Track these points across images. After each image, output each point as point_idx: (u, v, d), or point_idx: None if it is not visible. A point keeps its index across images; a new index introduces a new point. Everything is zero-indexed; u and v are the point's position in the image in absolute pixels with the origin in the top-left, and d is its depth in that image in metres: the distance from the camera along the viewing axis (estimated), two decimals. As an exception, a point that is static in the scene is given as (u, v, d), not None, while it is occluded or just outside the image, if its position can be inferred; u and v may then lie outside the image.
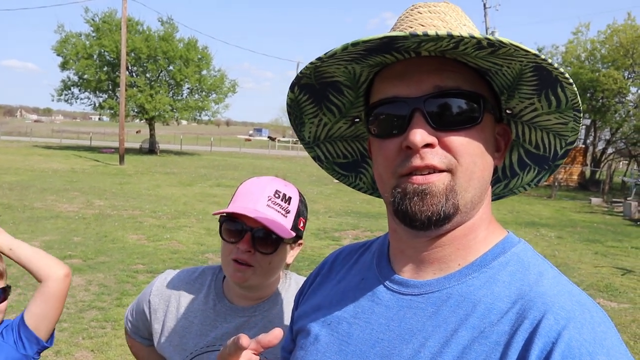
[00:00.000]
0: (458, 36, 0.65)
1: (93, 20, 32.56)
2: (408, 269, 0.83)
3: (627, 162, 31.79)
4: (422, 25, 0.79)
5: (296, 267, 6.91)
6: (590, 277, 7.84)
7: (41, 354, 1.55)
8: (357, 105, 0.91)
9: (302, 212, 1.38)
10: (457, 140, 0.74)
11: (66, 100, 34.91)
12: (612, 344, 0.66)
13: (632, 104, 26.57)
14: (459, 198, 0.75)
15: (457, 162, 0.74)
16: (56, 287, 1.51)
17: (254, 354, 0.83)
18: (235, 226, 1.29)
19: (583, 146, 27.90)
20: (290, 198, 1.34)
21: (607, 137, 28.78)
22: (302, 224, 1.39)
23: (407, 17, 0.82)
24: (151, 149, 34.12)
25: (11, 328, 1.51)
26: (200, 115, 36.18)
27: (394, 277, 0.84)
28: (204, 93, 35.29)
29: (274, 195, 1.32)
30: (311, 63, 0.77)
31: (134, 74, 33.80)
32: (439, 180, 0.74)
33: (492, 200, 0.94)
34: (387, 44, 0.71)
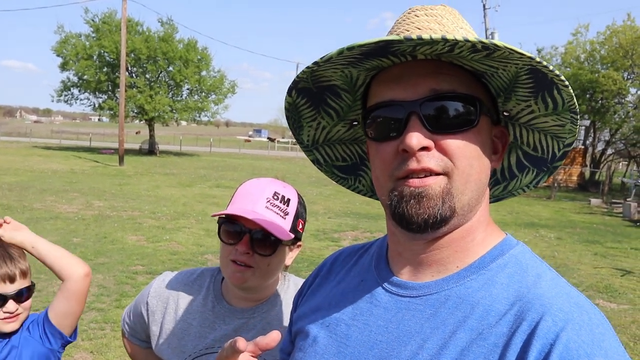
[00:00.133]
0: (452, 39, 0.65)
1: (93, 20, 32.57)
2: (406, 271, 0.83)
3: (626, 163, 31.80)
4: (419, 29, 0.79)
5: (295, 268, 6.91)
6: (589, 278, 7.84)
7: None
8: (355, 109, 0.92)
9: (300, 214, 1.38)
10: (454, 143, 0.74)
11: (66, 101, 34.92)
12: (610, 345, 0.66)
13: (631, 105, 26.59)
14: (455, 201, 0.75)
15: (454, 165, 0.74)
16: (76, 286, 1.55)
17: (252, 356, 0.83)
18: (234, 228, 1.29)
19: (582, 147, 27.93)
20: (289, 200, 1.34)
21: (607, 138, 28.79)
22: (300, 226, 1.39)
23: (404, 20, 0.83)
24: (151, 150, 34.12)
25: (37, 323, 1.57)
26: (199, 116, 36.19)
27: (393, 279, 0.84)
28: (203, 94, 35.30)
29: (273, 197, 1.32)
30: (308, 67, 0.78)
31: (133, 74, 33.81)
32: (435, 183, 0.74)
33: (491, 202, 0.94)
34: (382, 48, 0.71)
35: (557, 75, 0.69)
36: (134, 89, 32.13)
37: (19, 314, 1.51)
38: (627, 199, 17.86)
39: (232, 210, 1.30)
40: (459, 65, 0.76)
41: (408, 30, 0.80)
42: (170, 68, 33.32)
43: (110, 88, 33.21)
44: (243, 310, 1.38)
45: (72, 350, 4.49)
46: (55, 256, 1.55)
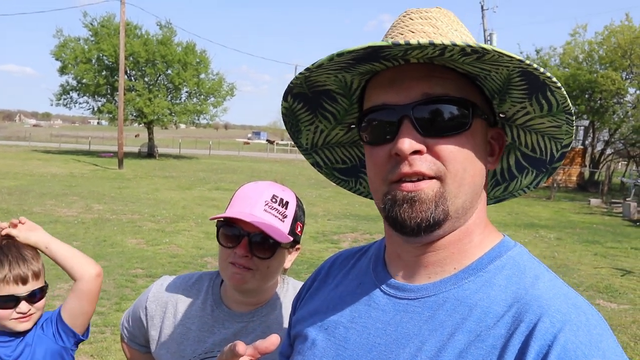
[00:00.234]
0: (440, 44, 0.66)
1: (91, 24, 32.61)
2: (404, 273, 0.83)
3: (625, 162, 31.83)
4: (412, 32, 0.79)
5: (295, 270, 6.91)
6: (589, 278, 7.84)
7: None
8: (352, 112, 0.92)
9: (299, 217, 1.38)
10: (446, 147, 0.74)
11: (65, 105, 34.96)
12: (608, 346, 0.66)
13: (630, 104, 26.61)
14: (448, 204, 0.75)
15: (446, 169, 0.74)
16: (88, 286, 1.58)
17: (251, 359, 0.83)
18: (233, 231, 1.29)
19: (582, 147, 27.93)
20: (287, 203, 1.34)
21: (606, 138, 28.82)
22: (299, 229, 1.39)
23: (398, 23, 0.83)
24: (150, 153, 34.11)
25: (50, 321, 1.60)
26: (198, 119, 36.22)
27: (390, 282, 0.84)
28: (202, 96, 35.33)
29: (271, 200, 1.32)
30: (300, 74, 0.78)
31: (132, 78, 33.84)
32: (428, 187, 0.74)
33: (492, 203, 0.94)
34: (373, 53, 0.71)
35: (549, 77, 0.69)
36: (133, 92, 32.14)
37: (31, 314, 1.54)
38: (627, 199, 17.85)
39: (230, 213, 1.29)
40: (452, 68, 0.76)
41: (402, 34, 0.80)
42: (169, 71, 33.37)
43: (109, 91, 33.23)
44: (242, 314, 1.38)
45: (72, 354, 4.48)
46: (67, 256, 1.58)
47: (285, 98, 0.86)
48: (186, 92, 35.07)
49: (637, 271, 8.45)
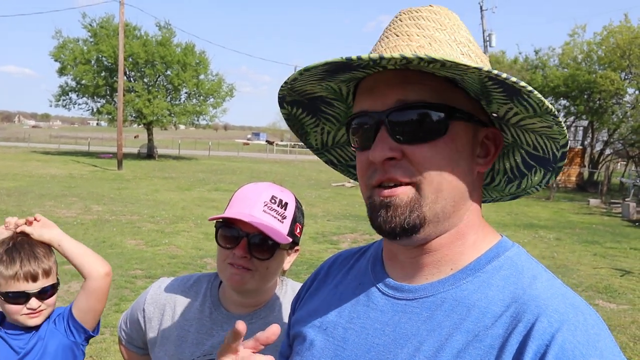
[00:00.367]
0: (389, 57, 0.66)
1: (90, 25, 32.58)
2: (402, 274, 0.84)
3: (625, 163, 31.85)
4: (397, 35, 0.80)
5: (295, 271, 6.91)
6: (589, 278, 7.85)
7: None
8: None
9: (298, 218, 1.38)
10: (421, 153, 0.75)
11: (64, 106, 34.93)
12: (606, 346, 0.67)
13: (629, 105, 26.63)
14: (425, 210, 0.76)
15: (422, 175, 0.75)
16: (97, 285, 1.61)
17: (253, 352, 0.83)
18: (231, 232, 1.29)
19: (581, 147, 27.96)
20: (286, 204, 1.34)
21: (605, 139, 28.84)
22: (298, 230, 1.39)
23: (389, 24, 0.84)
24: (149, 154, 34.10)
25: (62, 317, 1.64)
26: (198, 120, 36.21)
27: (389, 282, 0.84)
28: (201, 97, 35.31)
29: (270, 200, 1.32)
30: (283, 85, 0.80)
31: (131, 79, 33.83)
32: (403, 193, 0.75)
33: (509, 200, 0.95)
34: (347, 64, 0.71)
35: (516, 82, 0.68)
36: (132, 93, 32.14)
37: (42, 310, 1.57)
38: (626, 199, 17.87)
39: (229, 214, 1.29)
40: (431, 73, 0.75)
41: (387, 37, 0.81)
42: (168, 72, 33.35)
43: (108, 92, 33.21)
44: (241, 316, 1.37)
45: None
46: (78, 254, 1.60)
47: (281, 106, 0.88)
48: (185, 93, 35.07)
49: (636, 271, 8.45)
